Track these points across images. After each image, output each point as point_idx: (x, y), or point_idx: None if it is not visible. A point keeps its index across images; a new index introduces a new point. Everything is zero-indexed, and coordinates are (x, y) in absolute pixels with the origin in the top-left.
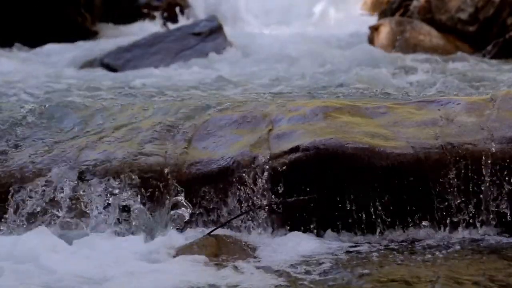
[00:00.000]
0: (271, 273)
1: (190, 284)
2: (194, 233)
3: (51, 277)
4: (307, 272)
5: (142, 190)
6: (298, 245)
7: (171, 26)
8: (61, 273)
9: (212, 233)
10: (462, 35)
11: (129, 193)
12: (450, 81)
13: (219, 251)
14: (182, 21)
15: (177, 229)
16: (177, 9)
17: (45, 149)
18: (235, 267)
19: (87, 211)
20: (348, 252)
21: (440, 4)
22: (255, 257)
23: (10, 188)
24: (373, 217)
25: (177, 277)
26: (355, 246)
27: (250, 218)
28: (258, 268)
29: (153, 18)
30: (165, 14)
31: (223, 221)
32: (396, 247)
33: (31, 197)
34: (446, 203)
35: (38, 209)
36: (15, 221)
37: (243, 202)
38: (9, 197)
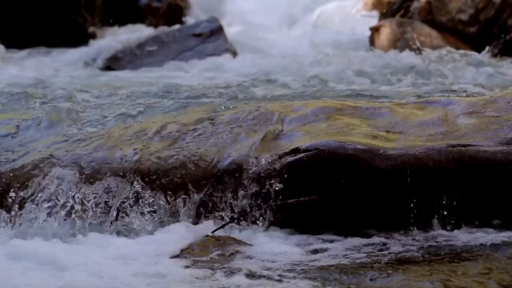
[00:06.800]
0: (272, 274)
1: (190, 286)
2: (197, 233)
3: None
4: (309, 273)
5: (146, 190)
6: (300, 246)
7: (172, 27)
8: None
9: (213, 233)
10: (463, 36)
11: (134, 193)
12: (451, 82)
13: (220, 252)
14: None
15: (181, 228)
16: (178, 10)
17: (52, 150)
18: (236, 268)
19: (90, 211)
20: (349, 253)
21: (441, 5)
22: (256, 258)
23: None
24: (374, 218)
25: (177, 279)
26: (357, 248)
27: (250, 219)
28: (259, 268)
29: (154, 19)
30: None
31: (224, 221)
32: (398, 248)
33: (36, 197)
34: (447, 204)
35: (43, 209)
36: (17, 221)
37: (245, 202)
38: (12, 197)
